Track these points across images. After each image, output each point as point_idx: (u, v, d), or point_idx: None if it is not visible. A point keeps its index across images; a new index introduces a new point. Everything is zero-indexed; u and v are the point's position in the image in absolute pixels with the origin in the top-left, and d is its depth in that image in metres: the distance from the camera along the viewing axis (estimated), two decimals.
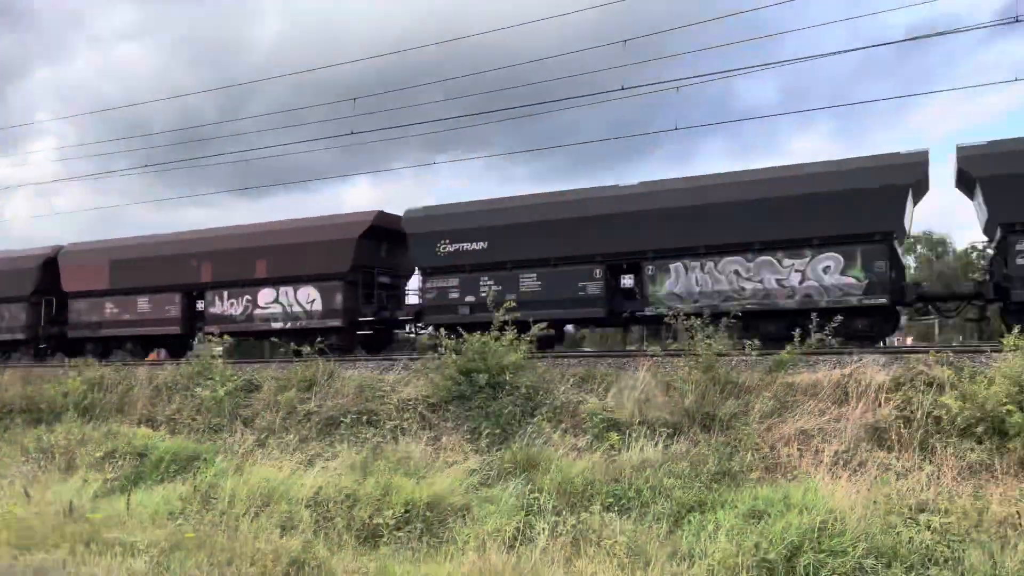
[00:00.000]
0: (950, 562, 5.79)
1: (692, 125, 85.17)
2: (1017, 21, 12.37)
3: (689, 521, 7.14)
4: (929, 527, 6.28)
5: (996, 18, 70.27)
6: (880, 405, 8.87)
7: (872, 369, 9.59)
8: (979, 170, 13.15)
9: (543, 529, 7.29)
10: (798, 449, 8.52)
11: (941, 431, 8.17)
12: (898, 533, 6.19)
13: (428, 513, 7.87)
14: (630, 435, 9.19)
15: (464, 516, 7.92)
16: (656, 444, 8.95)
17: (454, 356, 11.12)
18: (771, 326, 13.71)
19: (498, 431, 9.90)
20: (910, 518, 6.51)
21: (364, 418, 10.98)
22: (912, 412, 8.52)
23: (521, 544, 7.19)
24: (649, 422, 9.47)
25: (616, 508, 7.61)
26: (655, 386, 10.37)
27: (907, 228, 13.88)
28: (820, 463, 8.19)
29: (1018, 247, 12.44)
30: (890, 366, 9.58)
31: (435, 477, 8.71)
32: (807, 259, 13.68)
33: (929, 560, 5.88)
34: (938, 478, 7.47)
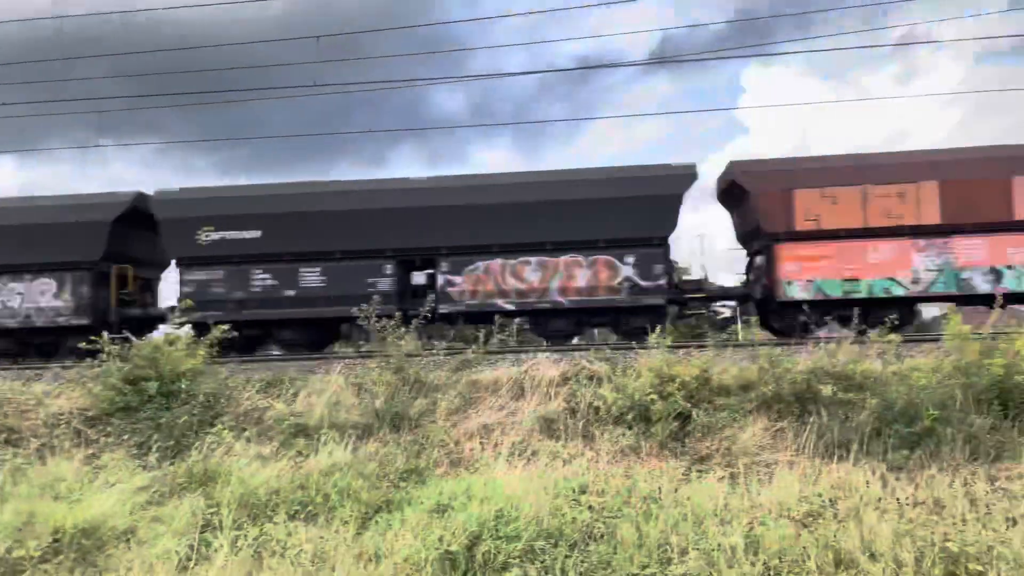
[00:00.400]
0: (605, 536, 6.50)
1: (384, 129, 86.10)
2: (662, 61, 14.55)
3: (376, 522, 7.17)
4: (589, 507, 6.99)
5: (648, 58, 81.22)
6: (551, 398, 9.72)
7: (545, 366, 10.47)
8: (158, 213, 16.55)
9: (221, 545, 6.81)
10: (480, 443, 9.00)
11: (600, 420, 9.17)
12: (564, 514, 6.80)
13: (84, 540, 6.93)
14: (319, 439, 8.98)
15: (129, 540, 7.11)
16: (346, 447, 8.86)
17: (118, 363, 9.96)
18: (2, 343, 16.57)
19: (171, 444, 9.05)
20: (574, 500, 7.19)
21: (2, 437, 9.38)
22: (577, 404, 9.45)
23: (196, 564, 6.65)
24: (339, 425, 9.35)
25: (302, 515, 7.38)
26: (346, 388, 10.28)
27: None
28: (499, 455, 8.72)
29: (183, 276, 16.22)
30: (559, 363, 10.55)
31: (93, 499, 7.70)
32: (27, 283, 16.42)
33: (589, 536, 6.54)
34: (597, 462, 8.37)
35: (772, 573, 5.83)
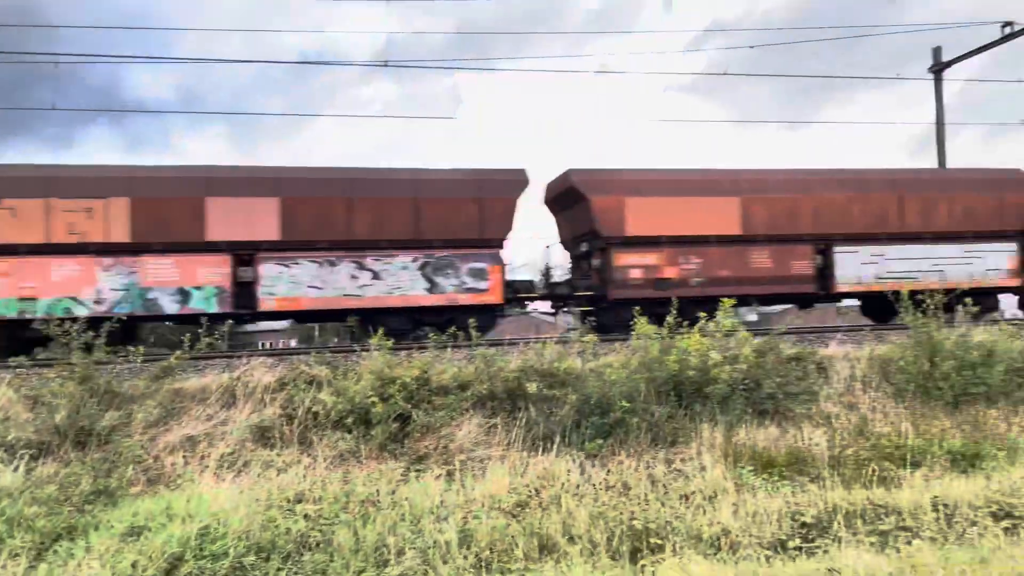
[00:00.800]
0: (321, 544, 6.33)
1: (73, 108, 76.03)
2: (387, 65, 14.61)
3: (55, 551, 6.29)
4: (305, 516, 6.76)
5: (372, 59, 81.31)
6: (266, 405, 9.26)
7: (260, 371, 9.96)
8: None
9: None
10: (184, 456, 8.30)
11: (318, 425, 8.93)
12: (277, 526, 6.50)
13: None
14: None
15: None
16: (16, 469, 7.67)
17: None
18: None
19: None
20: (288, 510, 6.91)
21: None
22: (295, 409, 9.12)
23: None
24: (8, 444, 8.08)
25: None
26: (18, 401, 8.92)
27: None
28: (206, 468, 8.13)
29: None
30: (276, 367, 10.10)
31: None
32: None
33: (304, 546, 6.32)
34: (314, 468, 8.13)
35: (483, 564, 6.08)
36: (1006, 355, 10.80)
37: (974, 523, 6.63)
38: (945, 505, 6.93)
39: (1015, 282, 19.38)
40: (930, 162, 29.42)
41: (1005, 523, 6.65)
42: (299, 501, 7.12)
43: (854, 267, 18.59)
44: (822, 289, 18.51)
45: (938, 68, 27.15)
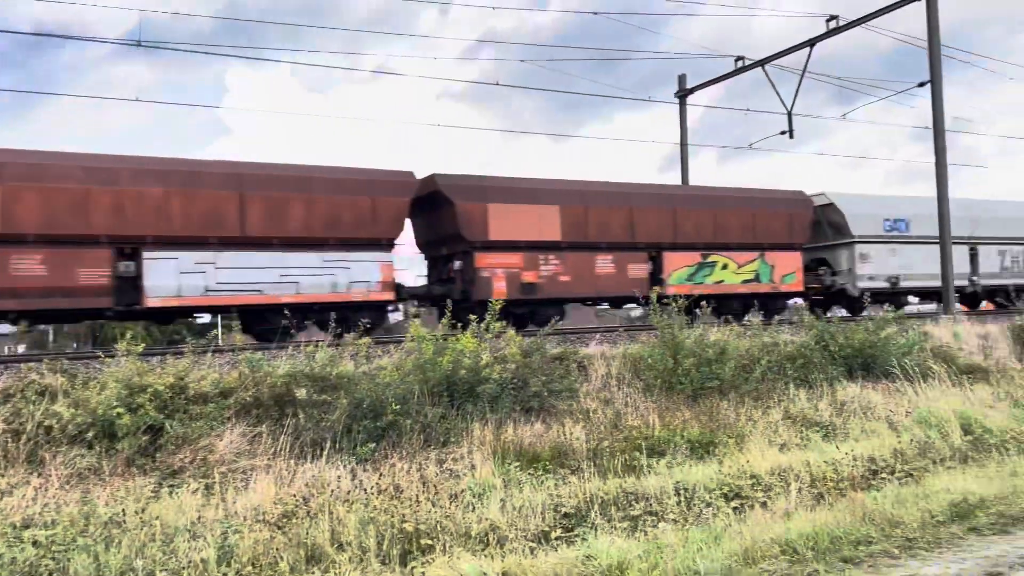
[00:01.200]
0: (55, 574, 5.64)
1: None
2: (140, 45, 13.34)
3: None
4: (35, 542, 5.99)
5: (124, 38, 74.23)
6: None
7: None
8: None
9: None
10: None
11: (52, 440, 7.95)
12: (0, 556, 5.69)
13: None
14: None
15: None
16: None
17: None
18: None
19: None
20: (15, 537, 6.09)
21: None
22: (22, 424, 8.06)
23: None
24: None
25: None
26: None
27: None
28: None
29: None
30: (1, 376, 8.88)
31: None
32: None
33: None
34: (46, 490, 7.23)
35: None
36: (735, 353, 12.22)
37: (709, 504, 7.40)
38: (686, 489, 7.68)
39: (389, 295, 17.31)
40: (675, 179, 32.33)
41: (735, 503, 7.50)
42: (27, 527, 6.29)
43: (173, 277, 15.31)
44: (129, 304, 15.07)
45: (682, 94, 30.14)
